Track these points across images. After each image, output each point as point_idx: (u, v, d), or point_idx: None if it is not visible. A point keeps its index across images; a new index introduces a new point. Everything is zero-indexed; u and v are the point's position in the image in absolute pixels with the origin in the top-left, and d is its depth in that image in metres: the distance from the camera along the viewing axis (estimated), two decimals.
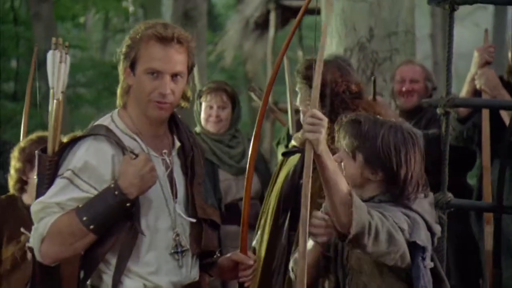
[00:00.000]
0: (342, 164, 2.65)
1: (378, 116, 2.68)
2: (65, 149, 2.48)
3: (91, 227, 2.37)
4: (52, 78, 2.55)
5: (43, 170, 2.47)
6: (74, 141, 2.48)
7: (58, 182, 2.43)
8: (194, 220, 2.56)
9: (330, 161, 2.35)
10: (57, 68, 2.55)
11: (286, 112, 5.26)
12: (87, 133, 2.48)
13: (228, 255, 2.69)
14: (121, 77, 2.54)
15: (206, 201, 2.64)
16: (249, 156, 2.72)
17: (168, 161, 2.55)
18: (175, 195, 2.54)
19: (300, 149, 3.26)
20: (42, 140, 3.28)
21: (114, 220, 2.41)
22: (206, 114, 4.36)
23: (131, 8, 17.99)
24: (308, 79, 3.23)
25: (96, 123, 2.53)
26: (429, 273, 2.58)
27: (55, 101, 2.55)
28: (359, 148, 2.59)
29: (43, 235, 2.39)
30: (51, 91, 2.55)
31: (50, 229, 2.38)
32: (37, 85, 3.69)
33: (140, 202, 2.45)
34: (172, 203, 2.52)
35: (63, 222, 2.38)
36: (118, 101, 2.56)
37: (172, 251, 2.51)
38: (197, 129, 4.41)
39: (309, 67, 3.21)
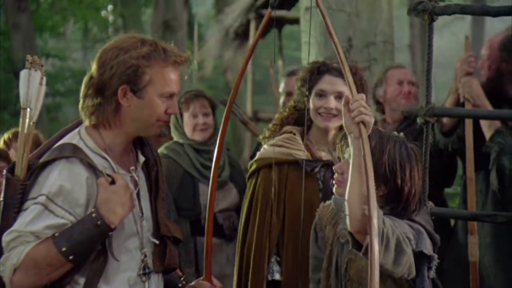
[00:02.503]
0: (344, 175, 2.63)
1: (381, 129, 2.66)
2: (36, 171, 2.38)
3: (71, 257, 2.29)
4: (26, 97, 2.46)
5: (13, 194, 2.37)
6: (46, 164, 2.38)
7: (32, 208, 2.33)
8: (157, 242, 2.52)
9: (367, 146, 2.33)
10: (36, 89, 2.47)
11: (266, 121, 5.27)
12: (59, 155, 2.38)
13: (193, 283, 2.70)
14: (109, 99, 2.42)
15: (168, 217, 2.62)
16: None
17: (136, 178, 2.52)
18: (141, 212, 2.51)
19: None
20: None
21: (93, 248, 2.34)
22: (192, 124, 4.26)
23: (110, 18, 17.97)
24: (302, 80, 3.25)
25: (63, 141, 2.45)
26: (430, 286, 2.57)
27: (29, 123, 2.47)
28: None
29: (16, 265, 2.28)
30: (24, 111, 2.47)
31: (24, 259, 2.28)
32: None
33: None
34: (140, 221, 2.49)
35: (40, 253, 2.29)
36: (89, 120, 2.46)
37: (140, 272, 2.48)
38: (181, 140, 4.33)
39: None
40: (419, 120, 3.17)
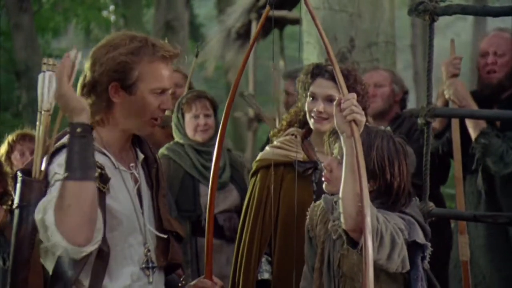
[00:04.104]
0: (333, 173, 2.64)
1: (368, 124, 2.65)
2: (44, 168, 2.36)
3: (66, 174, 2.19)
4: (48, 100, 2.45)
5: (33, 195, 2.30)
6: (50, 156, 2.37)
7: (51, 191, 2.26)
8: (165, 236, 2.53)
9: (359, 145, 2.35)
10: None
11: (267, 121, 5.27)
12: (60, 146, 2.38)
13: (194, 281, 2.69)
14: (101, 96, 2.42)
15: (170, 214, 2.63)
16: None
17: (136, 174, 2.53)
18: (142, 208, 2.51)
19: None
20: None
21: (84, 154, 2.24)
22: (193, 125, 4.25)
23: (112, 17, 17.97)
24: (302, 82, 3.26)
25: (62, 142, 2.42)
26: (425, 277, 2.58)
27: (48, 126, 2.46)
28: None
29: (56, 225, 2.15)
30: (40, 114, 2.45)
31: (54, 214, 2.16)
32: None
33: (112, 217, 2.39)
34: (141, 217, 2.50)
35: (59, 199, 2.18)
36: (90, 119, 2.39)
37: (143, 266, 2.48)
38: (181, 140, 4.32)
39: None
40: (420, 121, 3.17)
